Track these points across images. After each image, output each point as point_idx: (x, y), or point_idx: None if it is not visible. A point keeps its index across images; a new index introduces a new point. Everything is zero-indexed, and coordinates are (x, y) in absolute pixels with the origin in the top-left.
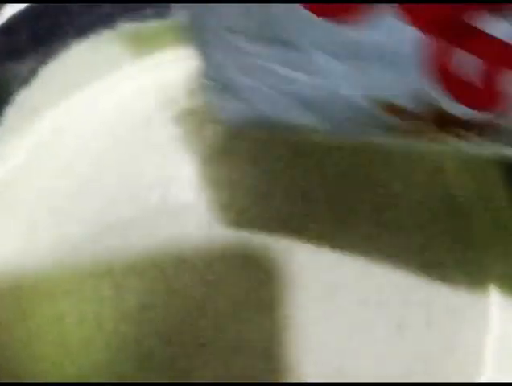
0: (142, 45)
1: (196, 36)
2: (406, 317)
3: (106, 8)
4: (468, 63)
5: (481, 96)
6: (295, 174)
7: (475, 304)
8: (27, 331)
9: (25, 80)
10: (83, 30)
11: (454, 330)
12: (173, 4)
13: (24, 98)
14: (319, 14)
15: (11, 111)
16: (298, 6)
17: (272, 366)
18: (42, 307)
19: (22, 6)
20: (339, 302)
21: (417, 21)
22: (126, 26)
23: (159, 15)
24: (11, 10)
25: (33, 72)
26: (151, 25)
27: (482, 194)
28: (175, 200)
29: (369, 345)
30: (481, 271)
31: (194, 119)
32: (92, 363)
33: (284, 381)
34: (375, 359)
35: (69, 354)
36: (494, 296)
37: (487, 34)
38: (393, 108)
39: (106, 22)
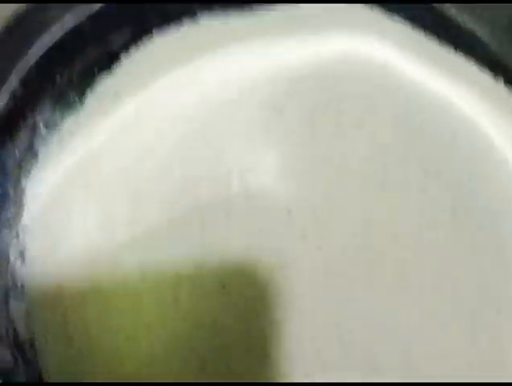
0: (225, 37)
1: None
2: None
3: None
4: None
5: None
6: None
7: None
8: (103, 304)
9: (108, 67)
10: (166, 19)
11: None
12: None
13: (107, 85)
14: None
15: (94, 97)
16: None
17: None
18: (117, 287)
19: None
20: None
21: None
22: (209, 19)
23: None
24: None
25: (117, 60)
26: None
27: None
28: (255, 187)
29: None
30: None
31: (275, 106)
32: (167, 336)
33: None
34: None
35: (144, 326)
36: None
37: None
38: None
39: (189, 13)
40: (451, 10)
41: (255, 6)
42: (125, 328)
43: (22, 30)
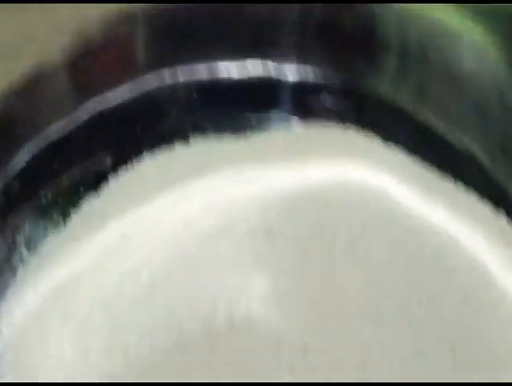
0: (215, 159)
1: None
2: None
3: (179, 120)
4: None
5: None
6: None
7: None
8: None
9: (95, 187)
10: (157, 140)
11: None
12: None
13: (92, 206)
14: None
15: (78, 218)
16: None
17: None
18: None
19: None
20: None
21: None
22: (201, 141)
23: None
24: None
25: (104, 180)
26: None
27: None
28: (242, 317)
29: None
30: None
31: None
32: None
33: None
34: None
35: None
36: None
37: None
38: None
39: (181, 134)
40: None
41: (249, 129)
42: None
43: (7, 135)
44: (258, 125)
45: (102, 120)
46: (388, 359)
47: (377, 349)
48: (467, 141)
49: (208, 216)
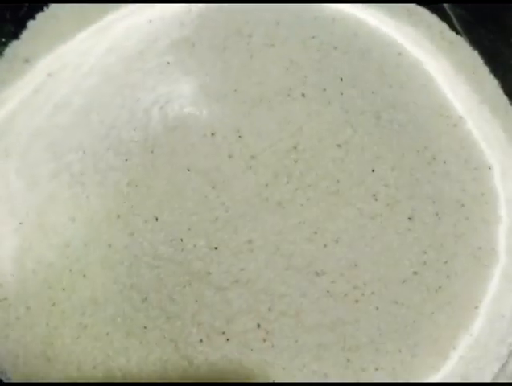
0: None
1: None
2: (415, 209)
3: None
4: None
5: None
6: None
7: (482, 197)
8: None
9: (14, 33)
10: None
11: (464, 221)
12: None
13: (15, 50)
14: None
15: (3, 64)
16: None
17: (288, 263)
18: (49, 239)
19: None
20: (347, 197)
21: None
22: None
23: None
24: None
25: (21, 25)
26: None
27: None
28: (175, 117)
29: (381, 238)
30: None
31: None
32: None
33: (303, 277)
34: (388, 251)
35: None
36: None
37: None
38: None
39: None
40: None
41: None
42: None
43: None
44: None
45: None
46: (316, 132)
47: (306, 127)
48: None
49: (130, 38)
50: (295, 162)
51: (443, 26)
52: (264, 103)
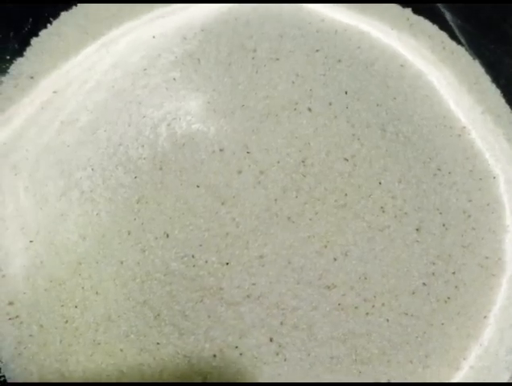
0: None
1: None
2: (423, 221)
3: None
4: None
5: None
6: None
7: (488, 207)
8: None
9: (18, 50)
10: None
11: (471, 231)
12: None
13: (21, 68)
14: None
15: (9, 80)
16: None
17: (299, 277)
18: (59, 256)
19: None
20: (356, 210)
21: None
22: None
23: None
24: None
25: (25, 42)
26: None
27: None
28: (183, 134)
29: (390, 250)
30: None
31: (191, 55)
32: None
33: (314, 291)
34: (397, 263)
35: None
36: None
37: None
38: None
39: None
40: None
41: None
42: (74, 297)
43: None
44: None
45: None
46: (324, 146)
47: (313, 142)
48: None
49: (133, 53)
50: (304, 176)
51: (444, 36)
52: (271, 118)
